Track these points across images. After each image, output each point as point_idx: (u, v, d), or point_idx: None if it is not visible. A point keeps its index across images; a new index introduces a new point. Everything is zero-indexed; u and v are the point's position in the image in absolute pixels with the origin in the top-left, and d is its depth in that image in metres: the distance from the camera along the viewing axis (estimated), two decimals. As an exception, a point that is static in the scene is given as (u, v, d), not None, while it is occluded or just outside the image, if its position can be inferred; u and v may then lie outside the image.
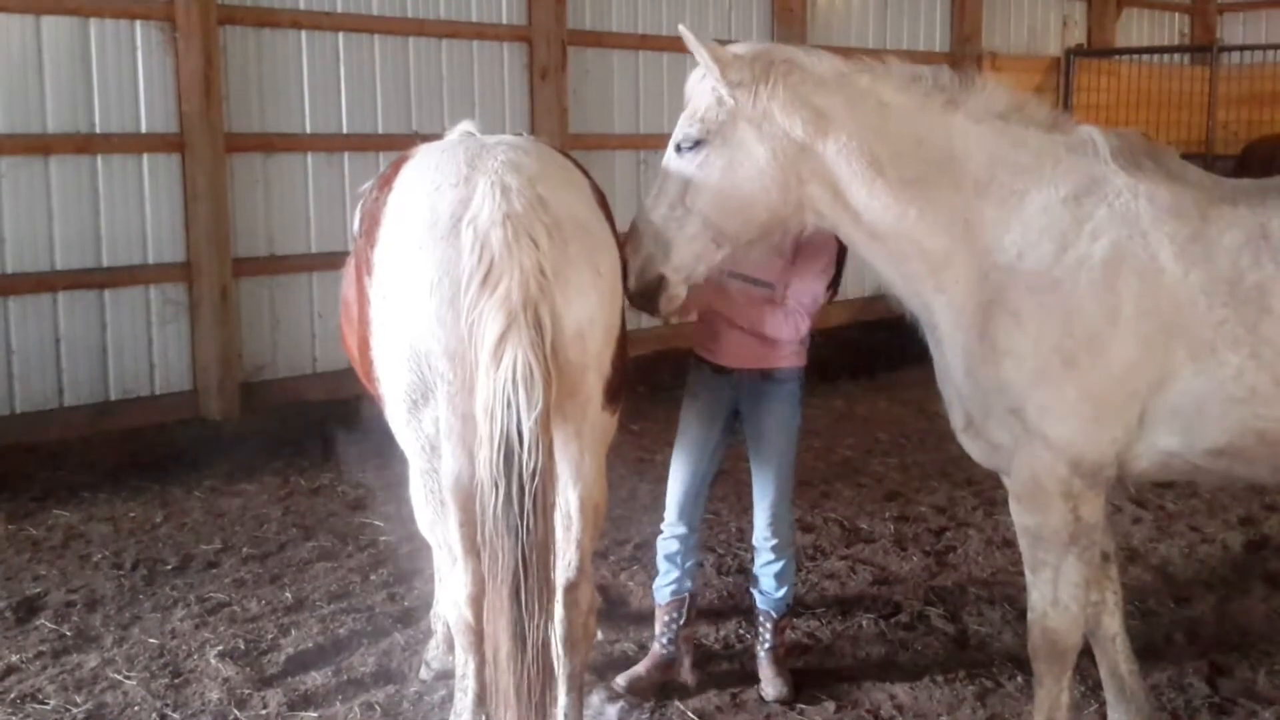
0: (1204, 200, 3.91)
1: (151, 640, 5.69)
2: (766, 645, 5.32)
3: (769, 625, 5.34)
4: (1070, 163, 3.99)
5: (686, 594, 5.30)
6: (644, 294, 4.29)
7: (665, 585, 5.32)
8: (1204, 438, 3.86)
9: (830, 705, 5.11)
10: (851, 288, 13.11)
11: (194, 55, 8.90)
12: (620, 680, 5.21)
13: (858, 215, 4.10)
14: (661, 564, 5.34)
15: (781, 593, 5.31)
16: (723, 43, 4.19)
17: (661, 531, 5.34)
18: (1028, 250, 3.93)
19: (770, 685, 5.21)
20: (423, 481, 4.11)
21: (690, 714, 5.06)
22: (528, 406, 3.62)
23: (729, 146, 4.10)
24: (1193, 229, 3.85)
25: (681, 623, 5.29)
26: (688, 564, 5.29)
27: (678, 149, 4.19)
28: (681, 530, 5.26)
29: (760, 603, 5.37)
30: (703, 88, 4.15)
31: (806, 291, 5.01)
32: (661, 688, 5.20)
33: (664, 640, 5.31)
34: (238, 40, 9.28)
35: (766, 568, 5.31)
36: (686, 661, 5.30)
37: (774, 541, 5.26)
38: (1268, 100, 15.16)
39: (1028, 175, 3.99)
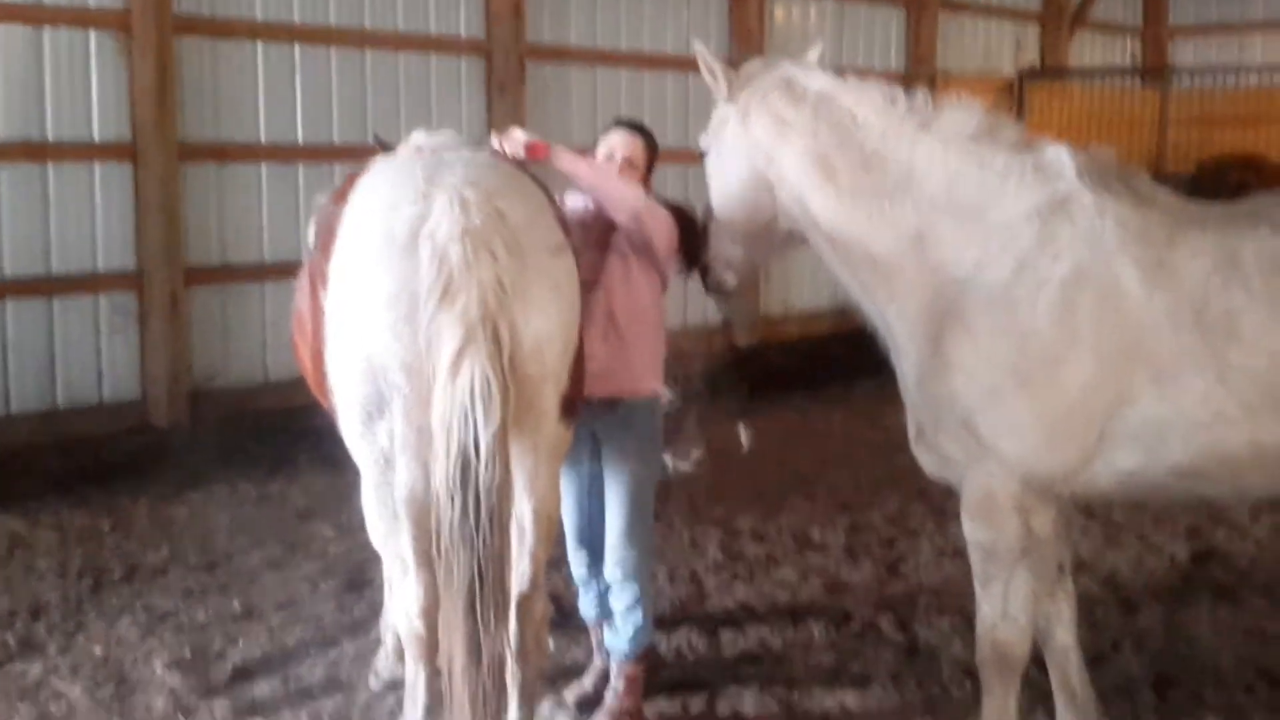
0: (1172, 224, 3.89)
1: (97, 649, 5.64)
2: (613, 691, 5.06)
3: (614, 668, 5.08)
4: (1035, 180, 4.00)
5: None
6: (700, 274, 4.87)
7: (589, 608, 5.27)
8: (1166, 459, 3.83)
9: (781, 712, 5.13)
10: (804, 300, 13.30)
11: (148, 64, 8.82)
12: (568, 695, 5.19)
13: (816, 221, 4.29)
14: (578, 584, 5.28)
15: (628, 632, 5.01)
16: None
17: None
18: (986, 266, 3.96)
19: None
20: (376, 495, 4.09)
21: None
22: (485, 420, 3.63)
23: (721, 155, 4.54)
24: (1158, 253, 3.82)
25: None
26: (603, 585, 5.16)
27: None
28: (584, 555, 5.16)
29: (607, 640, 5.14)
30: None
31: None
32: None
33: (604, 656, 5.25)
34: (193, 50, 9.20)
35: (614, 599, 5.06)
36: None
37: (615, 571, 4.99)
38: (1218, 122, 15.37)
39: (990, 193, 4.03)
